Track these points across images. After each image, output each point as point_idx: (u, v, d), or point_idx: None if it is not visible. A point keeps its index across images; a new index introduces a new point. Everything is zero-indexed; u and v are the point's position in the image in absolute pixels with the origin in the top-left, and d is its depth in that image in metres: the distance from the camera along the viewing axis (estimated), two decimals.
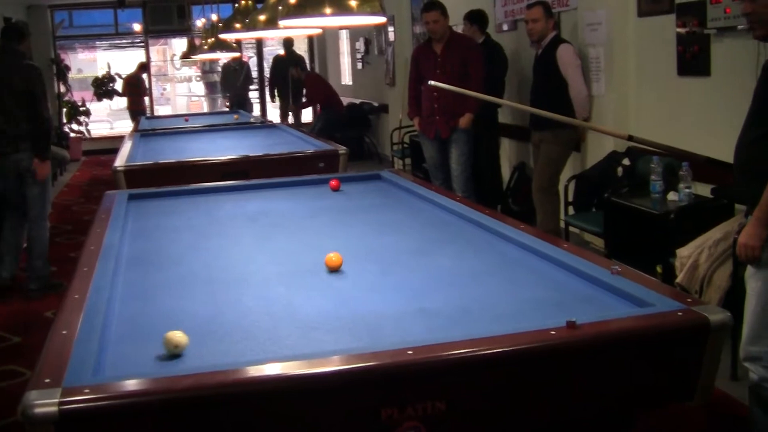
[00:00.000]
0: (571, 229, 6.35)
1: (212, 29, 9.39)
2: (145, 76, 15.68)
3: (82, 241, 3.85)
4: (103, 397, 1.89)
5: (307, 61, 16.37)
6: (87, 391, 1.90)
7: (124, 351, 2.27)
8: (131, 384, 1.95)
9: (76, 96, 16.12)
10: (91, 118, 16.19)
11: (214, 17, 9.67)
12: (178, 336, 2.21)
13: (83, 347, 2.19)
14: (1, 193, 6.32)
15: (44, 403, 1.84)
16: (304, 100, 13.89)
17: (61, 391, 1.89)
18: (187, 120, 11.10)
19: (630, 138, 4.18)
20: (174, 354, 2.19)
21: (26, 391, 1.90)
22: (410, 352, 2.05)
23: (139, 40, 17.57)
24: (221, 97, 17.28)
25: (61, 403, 1.84)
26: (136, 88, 15.05)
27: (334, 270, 2.99)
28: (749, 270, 3.22)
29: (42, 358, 2.12)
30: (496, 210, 6.67)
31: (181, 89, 21.75)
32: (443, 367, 2.07)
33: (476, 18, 7.88)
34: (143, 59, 16.51)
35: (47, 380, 1.95)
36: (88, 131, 15.99)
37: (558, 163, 6.65)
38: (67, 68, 16.25)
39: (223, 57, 16.10)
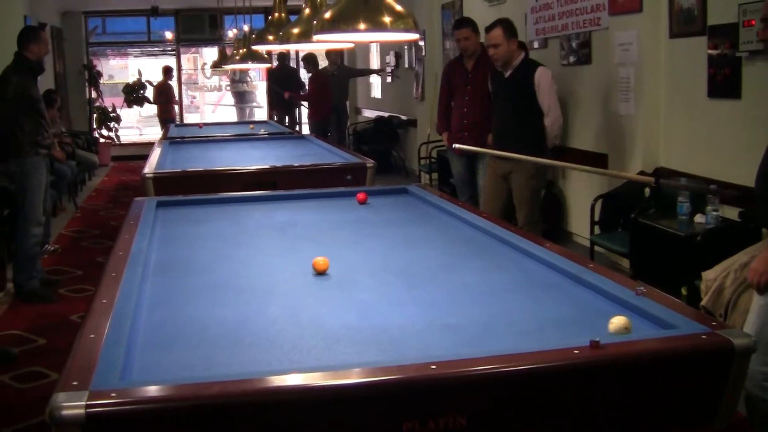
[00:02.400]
0: (597, 248, 6.34)
1: (244, 39, 9.46)
2: (174, 83, 15.79)
3: (109, 245, 3.90)
4: (130, 402, 1.91)
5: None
6: (114, 395, 1.91)
7: (152, 356, 2.29)
8: (158, 389, 1.97)
9: (107, 102, 16.28)
10: (121, 124, 16.33)
11: (245, 27, 9.74)
12: (619, 322, 2.34)
13: (111, 351, 2.21)
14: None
15: (71, 405, 1.86)
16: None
17: (88, 394, 1.90)
18: (201, 127, 11.37)
19: (657, 183, 4.12)
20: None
21: (54, 393, 1.92)
22: (433, 367, 2.06)
23: (170, 48, 17.72)
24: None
25: (88, 406, 1.86)
26: (165, 96, 15.16)
27: (321, 271, 3.16)
28: None
29: (70, 361, 2.15)
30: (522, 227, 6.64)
31: (211, 98, 21.89)
32: (466, 383, 2.07)
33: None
34: (172, 65, 16.61)
35: (75, 383, 1.97)
36: (118, 137, 16.13)
37: (540, 193, 6.40)
38: (99, 74, 16.39)
39: (254, 68, 16.24)
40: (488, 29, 6.25)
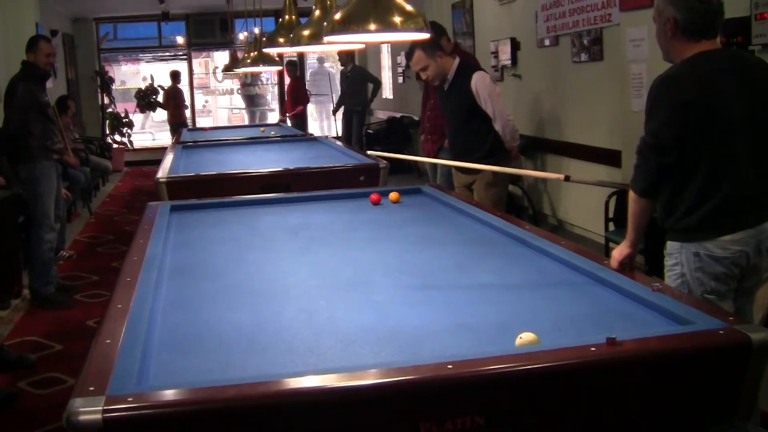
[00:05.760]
0: (612, 245, 6.31)
1: (255, 42, 9.46)
2: (185, 87, 15.85)
3: (123, 251, 3.90)
4: (147, 406, 1.91)
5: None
6: (130, 399, 1.92)
7: (168, 360, 2.30)
8: (174, 393, 1.97)
9: (119, 107, 16.32)
10: (134, 129, 16.37)
11: (256, 31, 9.74)
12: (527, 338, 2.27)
13: (127, 356, 2.22)
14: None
15: (88, 410, 1.87)
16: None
17: (105, 399, 1.91)
18: (207, 130, 11.51)
19: (567, 179, 4.12)
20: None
21: (71, 398, 1.93)
22: (450, 367, 2.06)
23: (182, 53, 17.76)
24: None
25: (104, 411, 1.86)
26: (175, 100, 15.19)
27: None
28: None
29: (86, 366, 2.15)
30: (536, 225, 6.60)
31: (223, 102, 21.92)
32: (482, 382, 2.07)
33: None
34: (183, 71, 16.65)
35: (91, 388, 1.98)
36: (131, 142, 16.16)
37: (503, 200, 5.91)
38: (111, 80, 16.44)
39: (265, 70, 16.31)
40: (408, 57, 5.84)
